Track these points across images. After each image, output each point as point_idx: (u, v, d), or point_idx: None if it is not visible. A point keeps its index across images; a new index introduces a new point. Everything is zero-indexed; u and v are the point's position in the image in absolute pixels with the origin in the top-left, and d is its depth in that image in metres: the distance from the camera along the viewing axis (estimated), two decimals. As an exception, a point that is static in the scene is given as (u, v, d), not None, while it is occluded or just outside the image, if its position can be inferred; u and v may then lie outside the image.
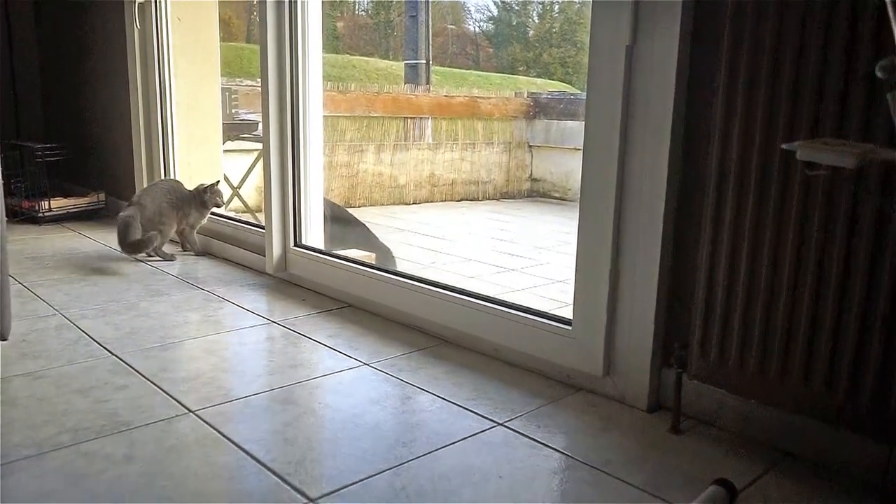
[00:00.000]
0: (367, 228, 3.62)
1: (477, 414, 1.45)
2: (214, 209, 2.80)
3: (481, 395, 1.54)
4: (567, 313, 1.63)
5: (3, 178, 1.60)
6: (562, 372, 1.61)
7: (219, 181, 2.82)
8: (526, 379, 1.63)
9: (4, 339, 1.62)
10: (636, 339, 1.47)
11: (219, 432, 1.35)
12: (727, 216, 1.26)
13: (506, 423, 1.41)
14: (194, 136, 3.24)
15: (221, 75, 3.59)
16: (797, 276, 1.20)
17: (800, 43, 1.15)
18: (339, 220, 3.66)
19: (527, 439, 1.35)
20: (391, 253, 3.65)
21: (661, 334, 1.45)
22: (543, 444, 1.34)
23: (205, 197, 2.73)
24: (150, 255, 2.69)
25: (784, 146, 1.03)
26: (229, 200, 4.15)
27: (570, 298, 1.58)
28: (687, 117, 1.38)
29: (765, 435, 1.33)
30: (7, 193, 1.60)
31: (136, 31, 3.05)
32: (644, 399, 1.47)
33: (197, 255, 2.78)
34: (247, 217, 3.64)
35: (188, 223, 2.77)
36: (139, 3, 3.02)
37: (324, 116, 2.46)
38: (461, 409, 1.48)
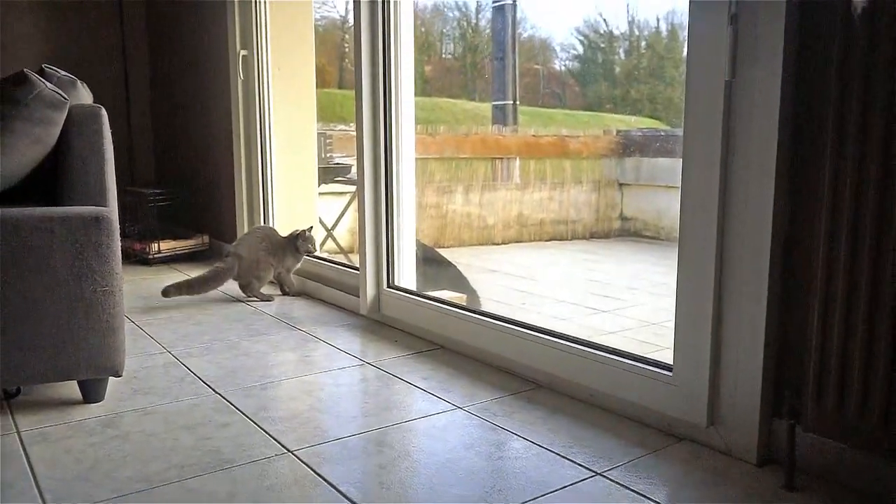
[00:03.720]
0: (458, 270, 3.62)
1: (574, 462, 1.41)
2: (307, 255, 2.89)
3: (578, 442, 1.50)
4: (665, 358, 1.57)
5: (118, 223, 1.70)
6: (662, 420, 1.55)
7: (311, 227, 2.91)
8: (624, 427, 1.58)
9: (118, 376, 1.71)
10: (743, 386, 1.39)
11: (316, 473, 1.37)
12: (842, 254, 1.19)
13: (605, 473, 1.36)
14: (292, 180, 3.37)
15: (316, 121, 3.73)
16: (924, 322, 1.11)
17: (920, 75, 1.08)
18: (431, 262, 3.68)
19: (628, 491, 1.30)
20: (478, 295, 3.64)
21: (771, 381, 1.38)
22: (645, 497, 1.28)
23: (297, 243, 2.84)
24: (249, 297, 2.79)
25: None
26: (323, 242, 4.27)
27: (665, 342, 1.53)
28: (793, 152, 1.32)
29: (891, 493, 1.22)
30: (121, 236, 1.71)
31: (239, 81, 3.22)
32: (753, 451, 1.38)
33: (294, 296, 2.87)
34: (340, 258, 3.74)
35: (284, 267, 2.87)
36: (243, 56, 3.20)
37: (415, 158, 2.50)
38: (557, 456, 1.44)
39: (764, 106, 1.32)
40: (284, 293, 2.91)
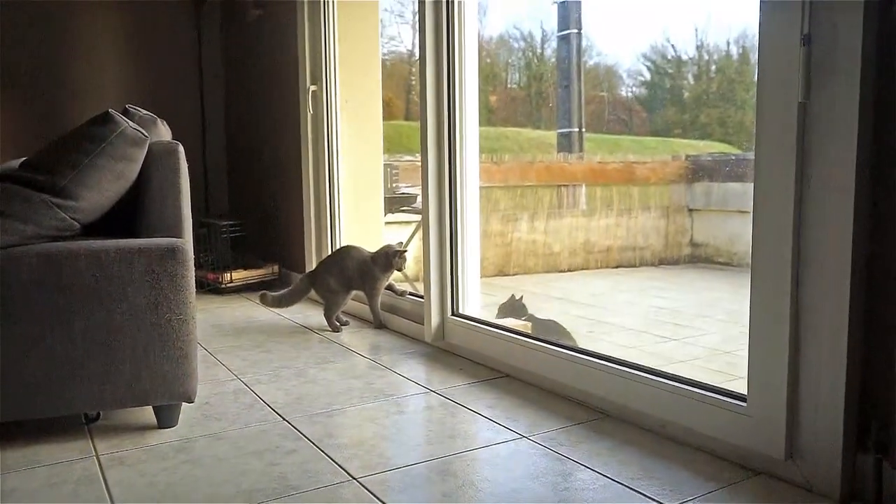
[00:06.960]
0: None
1: (643, 495, 1.37)
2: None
3: (648, 474, 1.45)
4: (738, 387, 1.51)
5: (193, 253, 1.77)
6: (736, 452, 1.48)
7: (401, 242, 2.82)
8: (696, 459, 1.52)
9: (191, 402, 1.76)
10: (824, 418, 1.32)
11: (380, 501, 1.36)
12: (929, 282, 1.13)
13: (676, 507, 1.32)
14: (359, 210, 3.43)
15: (383, 152, 3.80)
16: None
17: None
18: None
19: (701, 526, 1.25)
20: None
21: (855, 412, 1.30)
22: (720, 533, 1.22)
23: (394, 261, 2.72)
24: (327, 325, 2.81)
25: None
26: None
27: (738, 371, 1.47)
28: (875, 172, 1.26)
29: None
30: (195, 266, 1.77)
31: (308, 115, 3.32)
32: (836, 487, 1.31)
33: (376, 329, 2.80)
34: (406, 286, 3.76)
35: (368, 290, 2.77)
36: (312, 91, 3.30)
37: (479, 187, 2.51)
38: (626, 488, 1.39)
39: (841, 126, 1.27)
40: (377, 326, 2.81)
